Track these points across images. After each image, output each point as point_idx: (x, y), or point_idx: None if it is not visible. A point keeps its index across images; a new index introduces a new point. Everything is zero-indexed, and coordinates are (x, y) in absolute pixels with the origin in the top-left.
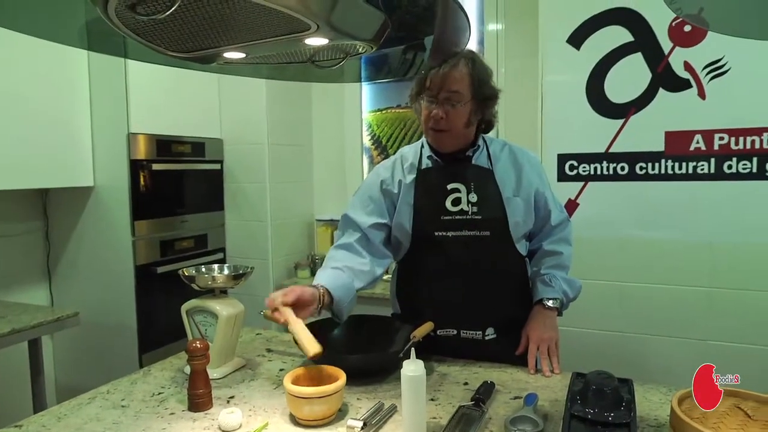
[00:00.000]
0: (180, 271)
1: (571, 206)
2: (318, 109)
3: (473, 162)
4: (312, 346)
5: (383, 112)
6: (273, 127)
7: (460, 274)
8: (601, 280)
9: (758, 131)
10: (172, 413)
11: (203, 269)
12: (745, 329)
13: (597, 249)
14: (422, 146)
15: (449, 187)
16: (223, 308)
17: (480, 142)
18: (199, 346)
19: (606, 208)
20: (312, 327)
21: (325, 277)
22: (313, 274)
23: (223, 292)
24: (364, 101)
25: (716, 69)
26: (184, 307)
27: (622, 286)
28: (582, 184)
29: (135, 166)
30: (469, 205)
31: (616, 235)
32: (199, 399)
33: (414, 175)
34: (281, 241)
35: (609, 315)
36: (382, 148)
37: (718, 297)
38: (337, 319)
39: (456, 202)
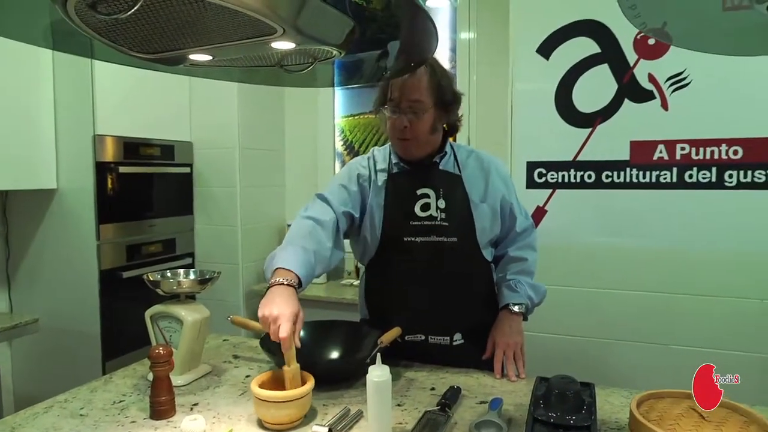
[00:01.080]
0: (144, 276)
1: (540, 213)
2: (291, 113)
3: (441, 168)
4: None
5: (356, 117)
6: (244, 131)
7: (427, 279)
8: (568, 287)
9: (717, 142)
10: (133, 421)
11: (168, 274)
12: (704, 334)
13: (564, 256)
14: (390, 152)
15: (419, 192)
16: (189, 314)
17: (447, 148)
18: (161, 352)
19: (573, 215)
20: None
21: (298, 263)
22: None
23: (189, 298)
24: (336, 106)
25: (678, 81)
26: (148, 312)
27: (588, 293)
28: (550, 191)
29: (101, 168)
30: (438, 211)
31: (582, 241)
32: (161, 407)
33: (385, 177)
34: (251, 246)
35: (575, 320)
36: (355, 153)
37: (679, 303)
38: None
39: (425, 207)
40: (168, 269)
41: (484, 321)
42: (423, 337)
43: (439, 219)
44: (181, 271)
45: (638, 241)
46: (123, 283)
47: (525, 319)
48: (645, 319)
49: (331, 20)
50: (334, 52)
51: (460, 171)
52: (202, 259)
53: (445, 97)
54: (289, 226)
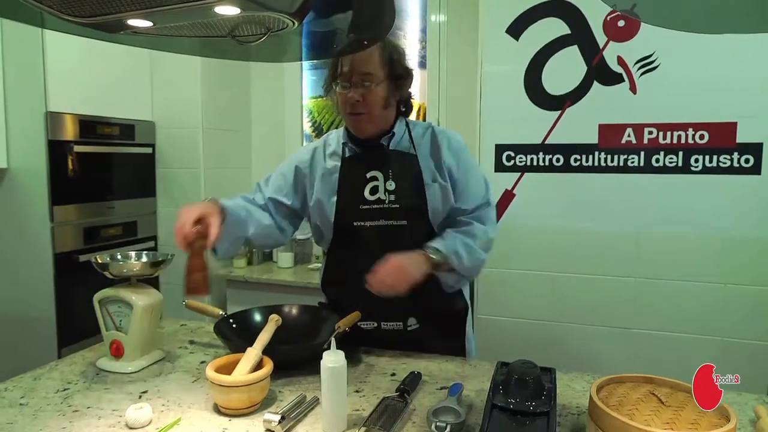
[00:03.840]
0: (92, 259)
1: (508, 197)
2: (257, 93)
3: (392, 148)
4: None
5: (324, 98)
6: (208, 110)
7: (376, 264)
8: (535, 270)
9: (684, 126)
10: (75, 411)
11: (118, 256)
12: (668, 319)
13: (531, 239)
14: (343, 134)
15: (368, 175)
16: (139, 298)
17: (399, 127)
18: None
19: (541, 198)
20: (237, 317)
21: (223, 201)
22: (249, 263)
23: (143, 281)
24: (304, 87)
25: (647, 65)
26: (97, 296)
27: (555, 276)
28: (518, 174)
29: (55, 147)
30: (386, 194)
31: (550, 225)
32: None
33: (336, 163)
34: None
35: (540, 305)
36: (323, 134)
37: (643, 287)
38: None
39: (374, 190)
40: (119, 252)
41: (439, 306)
42: (375, 324)
43: (387, 202)
44: (133, 253)
45: (605, 225)
46: (80, 267)
47: (436, 269)
48: (610, 304)
49: None
50: (287, 22)
51: (415, 150)
52: (166, 242)
53: (397, 71)
54: None
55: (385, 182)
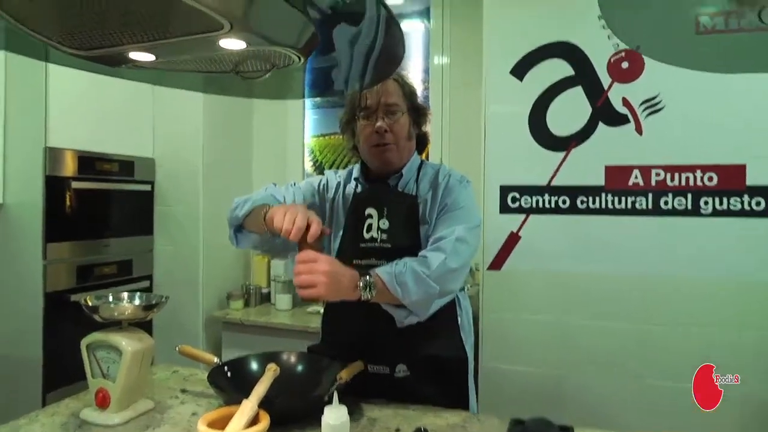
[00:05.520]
0: (82, 300)
1: (513, 239)
2: (259, 131)
3: (400, 188)
4: None
5: (326, 137)
6: (209, 147)
7: (368, 305)
8: (542, 316)
9: (692, 168)
10: None
11: (110, 297)
12: (680, 367)
13: (538, 283)
14: (353, 169)
15: (366, 212)
16: (129, 343)
17: (410, 168)
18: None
19: (548, 241)
20: (233, 364)
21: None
22: (246, 305)
23: (135, 324)
24: (307, 126)
25: (652, 106)
26: (84, 341)
27: (563, 323)
28: (524, 216)
29: (52, 183)
30: (379, 232)
31: (557, 269)
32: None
33: (349, 198)
34: (214, 270)
35: (549, 353)
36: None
37: (655, 334)
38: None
39: (369, 228)
40: (111, 293)
41: (433, 353)
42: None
43: (379, 241)
44: (125, 294)
45: (614, 269)
46: (71, 307)
47: (380, 298)
48: (620, 352)
49: (285, 18)
50: (294, 58)
51: (417, 189)
52: (161, 282)
53: (416, 104)
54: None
55: (378, 220)
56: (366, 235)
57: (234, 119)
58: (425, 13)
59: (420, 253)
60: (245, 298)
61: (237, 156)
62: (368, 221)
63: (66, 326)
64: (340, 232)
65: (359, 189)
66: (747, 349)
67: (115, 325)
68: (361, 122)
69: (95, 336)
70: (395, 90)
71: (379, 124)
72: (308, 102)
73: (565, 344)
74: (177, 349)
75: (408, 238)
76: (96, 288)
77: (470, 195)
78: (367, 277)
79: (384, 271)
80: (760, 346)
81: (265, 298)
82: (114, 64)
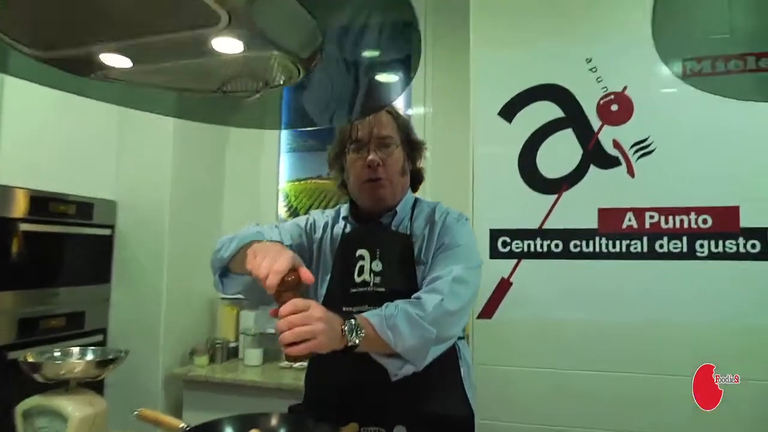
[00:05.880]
0: (21, 358)
1: (504, 285)
2: (232, 174)
3: (393, 227)
4: None
5: (302, 182)
6: (178, 188)
7: (358, 356)
8: (536, 367)
9: (686, 210)
10: None
11: (56, 354)
12: (681, 419)
13: (531, 331)
14: (341, 210)
15: (357, 253)
16: (77, 408)
17: (404, 206)
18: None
19: (540, 287)
20: (202, 430)
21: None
22: (212, 361)
23: (84, 385)
24: (282, 170)
25: (643, 148)
26: (20, 407)
27: (558, 374)
28: (515, 261)
29: None
30: (372, 275)
31: (551, 316)
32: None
33: (337, 238)
34: (176, 322)
35: (545, 406)
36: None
37: (653, 384)
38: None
39: (360, 271)
40: (56, 349)
41: (436, 410)
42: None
43: (372, 284)
44: (75, 350)
45: (609, 315)
46: (8, 365)
47: (368, 346)
48: (618, 404)
49: (293, 19)
50: (293, 71)
51: (412, 228)
52: (117, 335)
53: (411, 137)
54: (222, 299)
55: (371, 262)
56: (357, 279)
57: (205, 160)
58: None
59: (414, 295)
60: (210, 354)
61: (207, 199)
62: (359, 263)
63: (2, 388)
64: (328, 277)
65: (348, 229)
66: (745, 398)
67: (61, 386)
68: (352, 156)
69: (35, 400)
70: (389, 122)
71: (371, 157)
72: (284, 146)
73: (561, 396)
74: (135, 413)
75: (404, 281)
76: (41, 343)
77: (469, 233)
78: (352, 320)
79: (373, 314)
80: (760, 396)
81: (233, 353)
82: (82, 70)
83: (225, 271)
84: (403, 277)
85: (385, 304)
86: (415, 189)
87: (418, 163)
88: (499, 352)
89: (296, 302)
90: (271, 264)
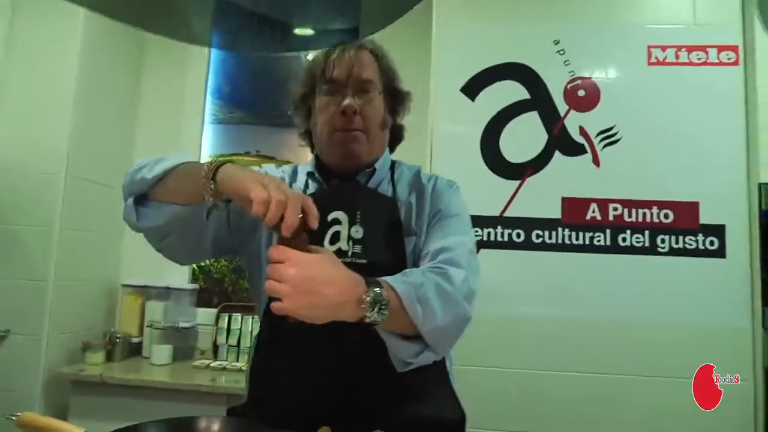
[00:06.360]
0: None
1: None
2: (144, 145)
3: (369, 185)
4: None
5: (228, 158)
6: (77, 155)
7: (331, 348)
8: (496, 367)
9: (649, 204)
10: None
11: None
12: (636, 420)
13: (490, 329)
14: (296, 171)
15: (330, 217)
16: None
17: (383, 164)
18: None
19: (500, 279)
20: None
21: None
22: (109, 358)
23: None
24: (204, 144)
25: (609, 137)
26: None
27: (520, 374)
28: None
29: None
30: (350, 243)
31: (512, 313)
32: None
33: None
34: (66, 311)
35: (509, 408)
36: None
37: (610, 385)
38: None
39: (334, 238)
40: None
41: (418, 414)
42: None
43: (350, 254)
44: None
45: (571, 311)
46: None
47: (376, 312)
48: (574, 404)
49: None
50: None
51: (395, 192)
52: None
53: (395, 87)
54: (124, 287)
55: (350, 228)
56: (330, 247)
57: (114, 126)
58: (354, 33)
59: (430, 264)
60: (108, 350)
61: (112, 171)
62: (333, 228)
63: None
64: None
65: (312, 188)
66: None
67: None
68: (323, 98)
69: None
70: (370, 63)
71: (347, 102)
72: (208, 116)
73: (524, 398)
74: (13, 418)
75: (390, 253)
76: None
77: (464, 202)
78: (377, 289)
79: (398, 280)
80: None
81: (135, 350)
82: None
83: (143, 198)
84: (390, 247)
85: (406, 270)
86: (392, 149)
87: (400, 118)
88: (458, 352)
89: (277, 251)
90: (291, 201)
